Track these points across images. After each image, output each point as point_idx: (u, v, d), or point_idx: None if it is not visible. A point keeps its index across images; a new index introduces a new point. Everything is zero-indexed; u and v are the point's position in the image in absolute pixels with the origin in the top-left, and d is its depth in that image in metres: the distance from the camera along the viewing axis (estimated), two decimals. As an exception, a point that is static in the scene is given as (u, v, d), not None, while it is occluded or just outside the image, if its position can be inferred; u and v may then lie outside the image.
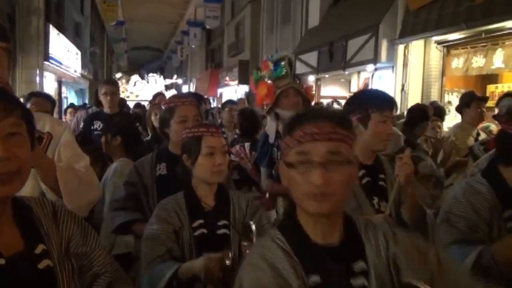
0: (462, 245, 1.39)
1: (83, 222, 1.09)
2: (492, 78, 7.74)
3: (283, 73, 2.64)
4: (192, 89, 26.46)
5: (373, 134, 1.81)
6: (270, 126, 2.72)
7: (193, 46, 21.92)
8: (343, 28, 9.60)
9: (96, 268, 1.07)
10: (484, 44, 6.76)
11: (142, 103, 9.64)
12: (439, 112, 4.45)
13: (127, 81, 22.33)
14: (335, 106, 9.45)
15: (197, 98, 3.63)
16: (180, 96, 2.82)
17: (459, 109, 3.67)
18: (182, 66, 32.94)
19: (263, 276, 0.98)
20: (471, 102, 3.48)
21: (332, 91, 11.96)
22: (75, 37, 15.58)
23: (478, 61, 6.90)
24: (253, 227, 1.60)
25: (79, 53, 14.97)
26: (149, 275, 1.63)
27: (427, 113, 3.42)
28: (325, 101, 10.65)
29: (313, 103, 10.52)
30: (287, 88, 2.63)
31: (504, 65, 6.50)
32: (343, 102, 9.21)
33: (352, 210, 1.72)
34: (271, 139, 2.71)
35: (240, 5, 18.33)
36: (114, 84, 4.19)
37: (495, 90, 7.16)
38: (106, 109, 4.03)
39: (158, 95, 5.05)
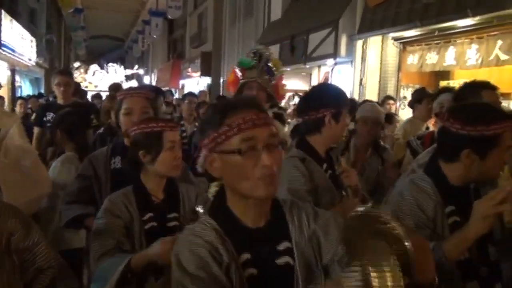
0: None
1: (25, 216, 1.07)
2: (445, 74, 8.06)
3: (251, 64, 2.63)
4: (154, 80, 26.02)
5: (343, 128, 1.95)
6: None
7: (154, 36, 21.46)
8: (304, 22, 9.70)
9: (40, 263, 1.06)
10: (438, 41, 7.02)
11: (102, 93, 9.41)
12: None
13: (86, 71, 21.73)
14: (297, 99, 9.59)
15: (156, 92, 3.60)
16: (130, 88, 2.79)
17: (411, 104, 3.82)
18: (144, 56, 32.25)
19: (199, 248, 1.03)
20: (422, 99, 3.63)
21: (294, 85, 12.07)
22: (29, 24, 14.94)
23: (432, 58, 7.16)
24: (200, 209, 1.63)
25: (34, 40, 14.37)
26: (101, 270, 1.61)
27: None
28: (286, 95, 10.78)
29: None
30: (252, 81, 2.63)
31: (456, 62, 6.78)
32: (303, 95, 9.33)
33: (327, 203, 1.81)
34: None
35: (203, -5, 18.14)
36: (68, 75, 4.07)
37: (447, 86, 7.45)
38: (60, 100, 3.91)
39: (115, 86, 4.94)
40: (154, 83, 25.16)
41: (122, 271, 1.54)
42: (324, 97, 1.91)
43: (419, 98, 3.70)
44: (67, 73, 4.19)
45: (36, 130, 3.98)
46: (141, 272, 1.59)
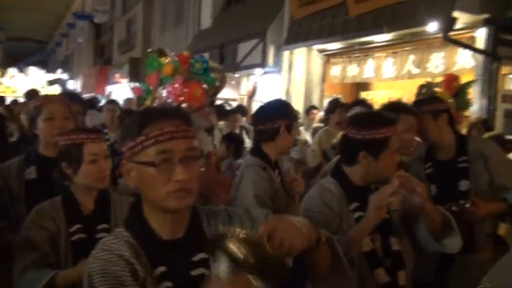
0: None
1: None
2: (365, 86, 8.57)
3: (216, 83, 2.68)
4: (79, 86, 24.94)
5: (293, 139, 2.19)
6: None
7: (80, 40, 20.66)
8: (233, 31, 9.84)
9: None
10: (358, 55, 7.46)
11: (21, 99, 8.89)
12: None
13: (2, 74, 20.30)
14: (227, 107, 9.67)
15: (75, 98, 3.50)
16: (48, 95, 2.71)
17: (326, 114, 4.04)
18: (68, 61, 30.81)
19: (113, 267, 1.00)
20: (335, 108, 3.86)
21: (223, 93, 12.13)
22: None
23: (353, 70, 7.59)
24: None
25: None
26: (23, 283, 1.58)
27: None
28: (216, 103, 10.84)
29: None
30: (213, 100, 2.71)
31: (374, 75, 7.25)
32: (234, 103, 9.45)
33: (282, 207, 2.03)
34: None
35: (132, 0, 17.75)
36: None
37: (367, 97, 7.93)
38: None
39: (32, 92, 4.72)
40: (79, 89, 24.13)
41: (43, 287, 1.52)
42: (280, 109, 2.14)
43: (332, 108, 3.93)
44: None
45: None
46: None
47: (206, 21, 12.06)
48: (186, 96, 2.63)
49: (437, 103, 2.28)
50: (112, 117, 4.71)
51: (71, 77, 28.88)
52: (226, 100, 10.65)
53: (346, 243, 1.50)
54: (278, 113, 2.12)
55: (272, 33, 8.54)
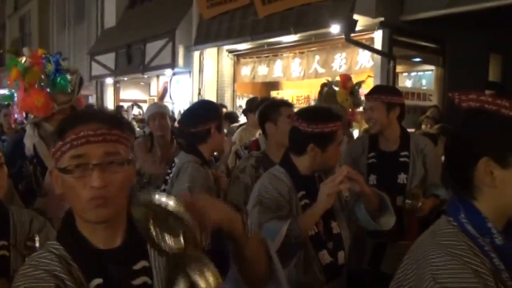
0: (274, 221, 1.67)
1: None
2: (275, 85, 8.82)
3: (68, 90, 2.40)
4: (-35, 89, 22.52)
5: (223, 138, 2.35)
6: (30, 136, 2.41)
7: (-36, 39, 18.67)
8: (141, 31, 9.56)
9: None
10: (267, 55, 7.65)
11: None
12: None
13: None
14: (136, 109, 9.36)
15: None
16: None
17: (245, 113, 4.08)
18: (-50, 62, 27.71)
19: (39, 282, 0.94)
20: (253, 107, 3.91)
21: (132, 94, 11.80)
22: None
23: (263, 70, 7.76)
24: (37, 238, 1.53)
25: None
26: None
27: None
28: (125, 104, 10.46)
29: (112, 107, 10.02)
30: (68, 107, 2.42)
31: (283, 74, 7.49)
32: (143, 105, 9.18)
33: None
34: (29, 151, 2.40)
35: (25, -4, 16.46)
36: None
37: (277, 96, 8.17)
38: None
39: None
40: (-35, 93, 21.81)
41: None
42: (209, 111, 2.25)
43: (250, 107, 3.99)
44: None
45: None
46: None
47: (110, 20, 11.57)
48: (28, 105, 2.36)
49: (392, 96, 2.38)
50: (9, 122, 4.32)
51: (-45, 80, 25.98)
52: (135, 102, 10.35)
53: (298, 226, 1.62)
54: (208, 115, 2.23)
55: (181, 33, 8.45)
